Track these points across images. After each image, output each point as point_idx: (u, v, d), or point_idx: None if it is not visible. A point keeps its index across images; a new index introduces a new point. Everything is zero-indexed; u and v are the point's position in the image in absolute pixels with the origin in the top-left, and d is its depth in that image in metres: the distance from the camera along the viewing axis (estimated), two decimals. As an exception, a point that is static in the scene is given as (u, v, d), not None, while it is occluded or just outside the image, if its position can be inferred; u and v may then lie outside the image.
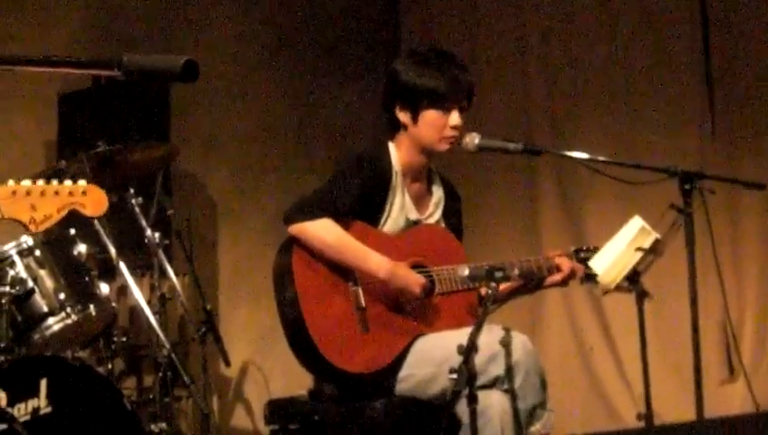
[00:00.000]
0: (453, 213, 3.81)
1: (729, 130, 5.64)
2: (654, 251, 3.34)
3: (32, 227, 2.74)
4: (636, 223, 3.39)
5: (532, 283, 3.67)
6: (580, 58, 6.00)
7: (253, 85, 6.23)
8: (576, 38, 6.03)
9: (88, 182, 2.79)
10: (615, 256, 3.36)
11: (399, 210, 3.64)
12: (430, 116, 3.58)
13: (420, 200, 3.72)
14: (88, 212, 2.80)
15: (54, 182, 2.78)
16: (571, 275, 3.67)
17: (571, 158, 3.64)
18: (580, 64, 6.01)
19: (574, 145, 4.98)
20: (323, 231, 3.47)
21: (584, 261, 3.67)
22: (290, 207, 3.54)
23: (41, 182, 2.77)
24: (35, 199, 2.75)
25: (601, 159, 3.53)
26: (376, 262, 3.48)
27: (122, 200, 4.44)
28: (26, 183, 2.77)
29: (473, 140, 3.56)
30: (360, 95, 6.27)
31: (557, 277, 3.66)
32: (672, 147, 5.60)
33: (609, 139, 5.81)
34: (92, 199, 2.80)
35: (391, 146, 3.66)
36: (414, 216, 3.67)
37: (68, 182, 2.80)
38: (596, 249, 3.63)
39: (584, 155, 3.56)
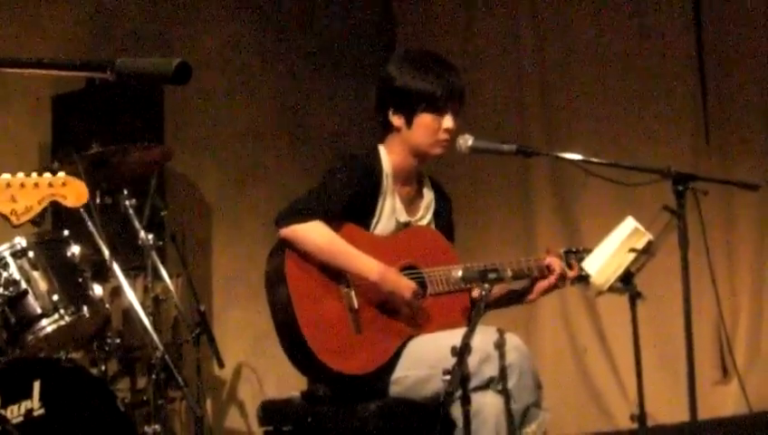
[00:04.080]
0: (444, 216, 3.80)
1: (722, 131, 5.65)
2: (647, 252, 3.34)
3: (13, 220, 2.73)
4: (629, 224, 3.39)
5: (524, 287, 3.67)
6: (574, 60, 6.01)
7: (246, 87, 6.22)
8: (570, 41, 6.03)
9: None
10: (608, 256, 3.36)
11: (390, 213, 3.63)
12: (425, 120, 3.58)
13: (411, 203, 3.72)
14: (69, 203, 2.80)
15: (34, 174, 2.78)
16: (564, 274, 3.67)
17: (564, 159, 3.64)
18: (574, 66, 6.02)
19: (568, 146, 4.99)
20: (314, 234, 3.46)
21: (575, 262, 3.67)
22: (281, 211, 3.53)
23: (20, 175, 2.77)
24: (16, 191, 2.75)
25: (595, 160, 3.52)
26: (367, 265, 3.47)
27: (116, 202, 4.43)
28: (6, 176, 2.77)
29: (466, 141, 3.54)
30: (354, 98, 6.27)
31: (552, 279, 3.66)
32: (665, 148, 5.61)
33: (602, 140, 5.82)
34: (72, 190, 2.81)
35: (382, 149, 3.66)
36: (404, 218, 3.67)
37: (47, 175, 2.80)
38: (586, 251, 3.63)
39: (578, 156, 3.55)
